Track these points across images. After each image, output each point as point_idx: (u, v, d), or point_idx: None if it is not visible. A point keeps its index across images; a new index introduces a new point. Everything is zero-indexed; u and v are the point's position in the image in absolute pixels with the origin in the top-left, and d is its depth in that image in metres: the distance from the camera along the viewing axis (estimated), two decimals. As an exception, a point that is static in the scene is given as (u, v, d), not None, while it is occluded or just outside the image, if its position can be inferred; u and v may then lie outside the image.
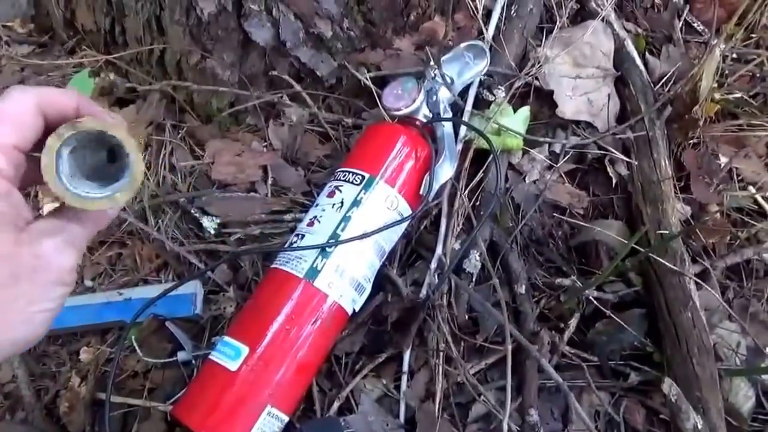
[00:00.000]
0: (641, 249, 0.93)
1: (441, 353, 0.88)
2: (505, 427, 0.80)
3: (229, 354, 0.77)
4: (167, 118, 1.00)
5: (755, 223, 1.03)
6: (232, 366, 0.76)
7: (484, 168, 0.99)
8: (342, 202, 0.85)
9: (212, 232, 0.92)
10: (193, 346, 0.88)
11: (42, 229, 0.44)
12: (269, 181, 0.97)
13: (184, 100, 1.00)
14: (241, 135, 1.00)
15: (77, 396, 0.85)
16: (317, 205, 0.87)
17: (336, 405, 0.85)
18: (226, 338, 0.79)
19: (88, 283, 0.95)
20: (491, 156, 0.97)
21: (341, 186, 0.86)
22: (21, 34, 1.11)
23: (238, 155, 0.97)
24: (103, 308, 0.90)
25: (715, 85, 1.04)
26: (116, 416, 0.85)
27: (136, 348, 0.86)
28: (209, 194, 0.94)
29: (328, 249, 0.81)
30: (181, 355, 0.87)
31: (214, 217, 0.93)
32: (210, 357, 0.79)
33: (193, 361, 0.87)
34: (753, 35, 1.19)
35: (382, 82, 0.98)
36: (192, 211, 0.93)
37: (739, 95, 1.09)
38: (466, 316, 0.93)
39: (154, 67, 1.00)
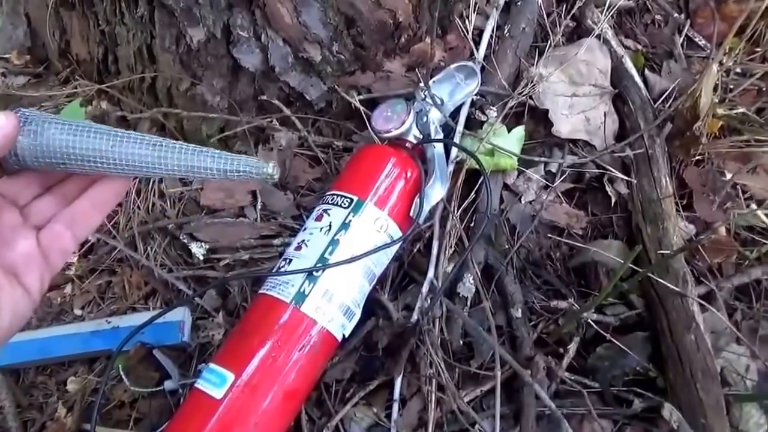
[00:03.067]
0: (641, 270, 0.90)
1: (433, 380, 0.86)
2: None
3: (214, 381, 0.75)
4: (157, 145, 1.00)
5: (766, 241, 1.00)
6: (217, 394, 0.74)
7: (476, 189, 0.97)
8: (330, 226, 0.83)
9: (201, 257, 0.91)
10: (180, 374, 0.87)
11: None
12: (258, 206, 0.96)
13: (174, 127, 1.00)
14: (231, 160, 0.99)
15: (63, 427, 0.84)
16: (305, 229, 0.86)
17: (325, 434, 0.83)
18: (212, 365, 0.77)
19: (78, 311, 0.94)
20: (478, 177, 0.96)
21: (329, 209, 0.85)
22: (17, 66, 1.12)
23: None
24: (91, 337, 0.89)
25: (717, 100, 1.02)
26: (102, 447, 0.84)
27: (123, 377, 0.85)
28: (198, 220, 0.93)
29: (315, 273, 0.80)
30: (168, 384, 0.86)
31: (202, 243, 0.92)
32: (195, 385, 0.77)
33: (180, 390, 0.86)
34: (758, 49, 1.16)
35: (372, 104, 0.97)
36: (181, 237, 0.92)
37: (741, 110, 1.06)
38: (461, 342, 0.91)
39: (146, 94, 1.01)
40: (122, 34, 0.95)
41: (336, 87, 0.98)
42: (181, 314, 0.89)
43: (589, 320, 0.90)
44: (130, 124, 1.02)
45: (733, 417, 0.87)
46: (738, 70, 1.14)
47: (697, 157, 1.05)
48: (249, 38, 0.91)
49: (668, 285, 0.88)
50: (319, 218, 0.85)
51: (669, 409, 0.77)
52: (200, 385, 0.76)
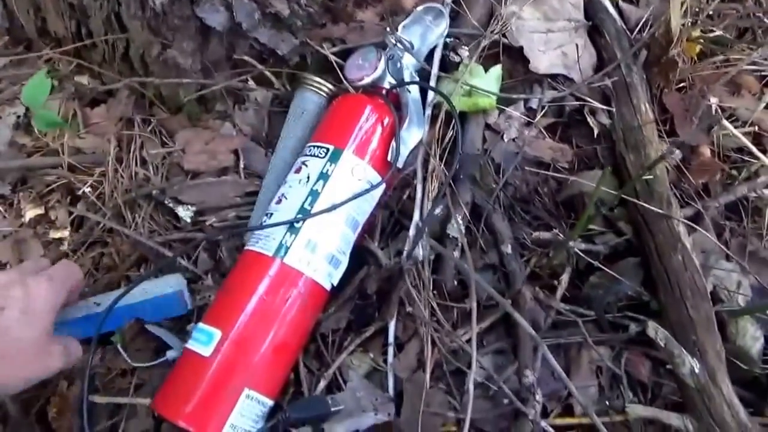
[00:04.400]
0: (629, 198, 0.91)
1: (425, 322, 0.86)
2: (471, 386, 0.77)
3: (202, 340, 0.76)
4: (137, 113, 1.00)
5: (754, 161, 0.99)
6: (206, 351, 0.75)
7: (452, 128, 0.96)
8: (308, 177, 0.83)
9: (189, 220, 0.92)
10: (180, 342, 0.87)
11: None
12: (241, 165, 0.96)
13: (153, 94, 1.00)
14: (211, 122, 0.99)
15: (66, 400, 0.84)
16: (285, 182, 0.86)
17: (322, 383, 0.84)
18: (200, 324, 0.78)
19: (73, 286, 0.95)
20: (460, 118, 0.96)
21: (307, 161, 0.85)
22: (-3, 48, 1.12)
23: (208, 143, 0.96)
24: (83, 322, 0.85)
25: (691, 22, 1.01)
26: (105, 416, 0.84)
27: (123, 354, 0.85)
28: (181, 183, 0.94)
29: (296, 225, 0.80)
30: (171, 354, 0.85)
31: (189, 206, 0.92)
32: (186, 345, 0.78)
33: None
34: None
35: (347, 55, 0.96)
36: (166, 202, 0.93)
37: (718, 33, 1.05)
38: (455, 282, 0.91)
39: (121, 63, 1.00)
40: (90, 5, 0.94)
41: (308, 41, 0.98)
42: (176, 283, 0.88)
43: (576, 249, 0.90)
44: (111, 94, 1.02)
45: (729, 333, 0.88)
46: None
47: (680, 84, 1.05)
48: (211, -4, 0.90)
49: (652, 208, 0.88)
50: (297, 171, 0.85)
51: (653, 327, 0.78)
52: (190, 344, 0.78)
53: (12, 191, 0.99)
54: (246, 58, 0.96)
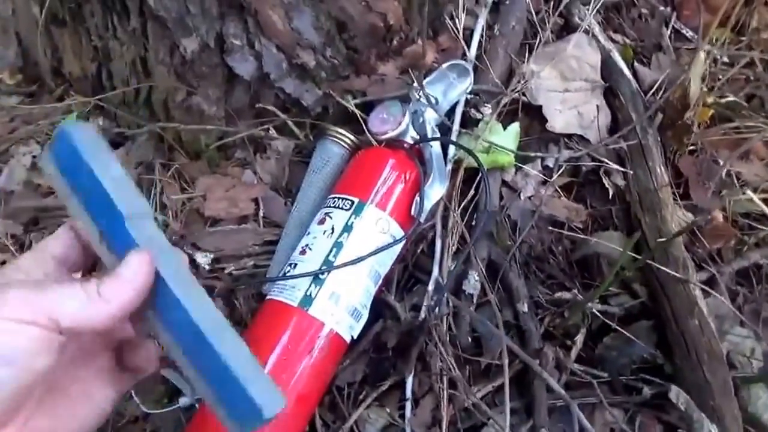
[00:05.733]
0: (646, 260, 0.91)
1: (444, 377, 0.86)
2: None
3: (227, 388, 0.75)
4: (156, 158, 1.00)
5: (763, 227, 1.01)
6: (231, 399, 0.74)
7: (475, 186, 0.97)
8: (333, 229, 0.83)
9: (207, 267, 0.91)
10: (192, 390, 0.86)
11: None
12: (261, 214, 0.96)
13: (173, 139, 1.00)
14: (231, 169, 0.99)
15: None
16: (309, 233, 0.86)
17: (340, 437, 0.83)
18: (224, 373, 0.77)
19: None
20: (477, 175, 0.97)
21: (331, 212, 0.85)
22: (10, 86, 1.12)
23: (229, 190, 0.96)
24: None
25: (706, 89, 1.03)
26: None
27: (135, 399, 0.84)
28: (200, 229, 0.93)
29: (321, 276, 0.80)
30: (183, 401, 0.84)
31: (207, 253, 0.92)
32: (210, 393, 0.77)
33: (196, 405, 0.85)
34: (743, 38, 1.18)
35: (368, 107, 0.97)
36: (185, 248, 0.92)
37: (731, 99, 1.08)
38: (469, 339, 0.91)
39: (142, 108, 1.00)
40: (115, 49, 0.95)
41: (331, 92, 0.99)
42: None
43: (594, 310, 0.91)
44: (128, 138, 1.02)
45: (741, 399, 0.87)
46: (725, 59, 1.16)
47: (690, 147, 1.06)
48: (242, 46, 0.91)
49: (669, 271, 0.89)
50: (321, 222, 0.85)
51: (675, 391, 0.78)
52: (214, 392, 0.76)
53: (24, 231, 0.98)
54: (269, 107, 0.97)
